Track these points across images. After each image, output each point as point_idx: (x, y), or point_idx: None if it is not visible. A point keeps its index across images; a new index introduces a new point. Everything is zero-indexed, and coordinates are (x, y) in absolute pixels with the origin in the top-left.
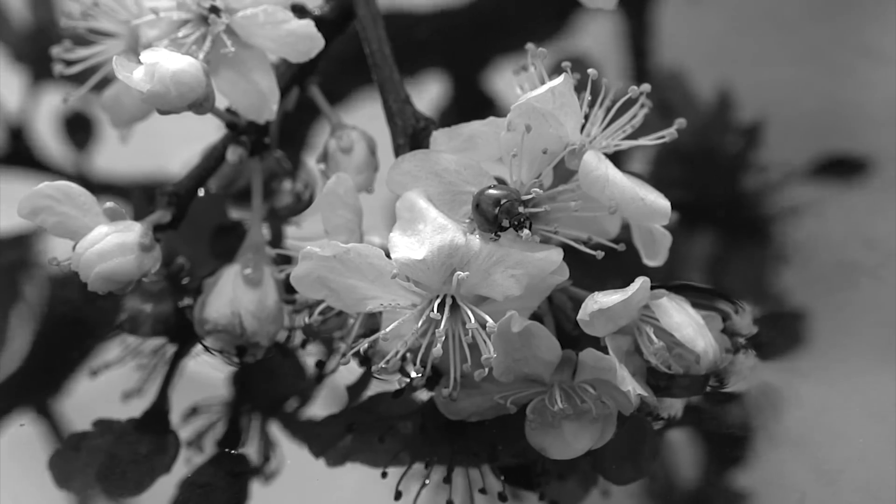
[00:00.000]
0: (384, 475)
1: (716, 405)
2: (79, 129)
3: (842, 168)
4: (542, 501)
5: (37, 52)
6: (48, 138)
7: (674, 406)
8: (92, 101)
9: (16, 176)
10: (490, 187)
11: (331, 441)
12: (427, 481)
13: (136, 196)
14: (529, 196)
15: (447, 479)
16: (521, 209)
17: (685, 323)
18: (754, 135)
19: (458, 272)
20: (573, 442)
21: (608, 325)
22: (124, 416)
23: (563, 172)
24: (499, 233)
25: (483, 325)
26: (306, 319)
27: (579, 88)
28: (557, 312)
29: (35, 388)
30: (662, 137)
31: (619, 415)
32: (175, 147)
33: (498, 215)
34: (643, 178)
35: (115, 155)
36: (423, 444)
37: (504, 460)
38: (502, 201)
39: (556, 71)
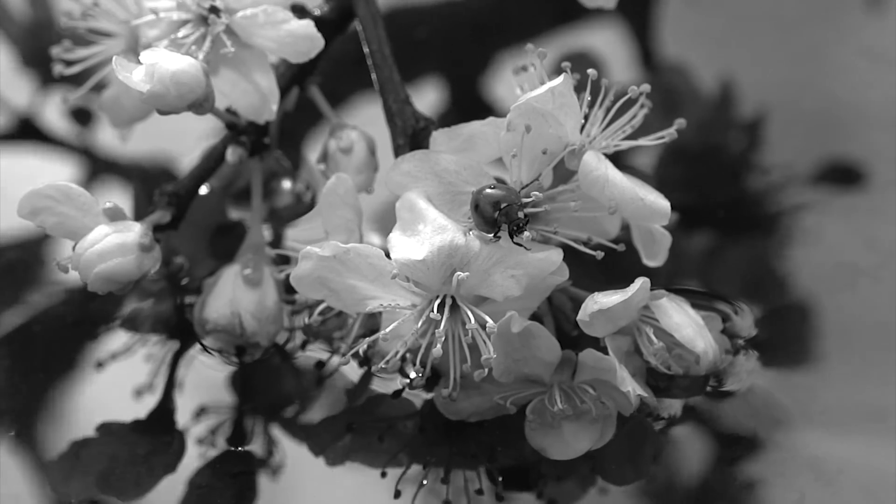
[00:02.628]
0: (383, 475)
1: (715, 406)
2: (84, 116)
3: (841, 173)
4: (539, 500)
5: (43, 52)
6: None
7: (673, 407)
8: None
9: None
10: (489, 187)
11: (330, 441)
12: (425, 482)
13: (136, 188)
14: (529, 199)
15: (445, 480)
16: (520, 213)
17: (685, 323)
18: (754, 135)
19: (458, 272)
20: (573, 442)
21: (608, 325)
22: (124, 416)
23: (563, 173)
24: (498, 234)
25: (483, 325)
26: (306, 320)
27: (579, 88)
28: (557, 313)
29: (36, 388)
30: (662, 138)
31: (618, 415)
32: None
33: (497, 218)
34: (645, 177)
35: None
36: (422, 445)
37: (502, 461)
38: (502, 204)
39: (556, 71)
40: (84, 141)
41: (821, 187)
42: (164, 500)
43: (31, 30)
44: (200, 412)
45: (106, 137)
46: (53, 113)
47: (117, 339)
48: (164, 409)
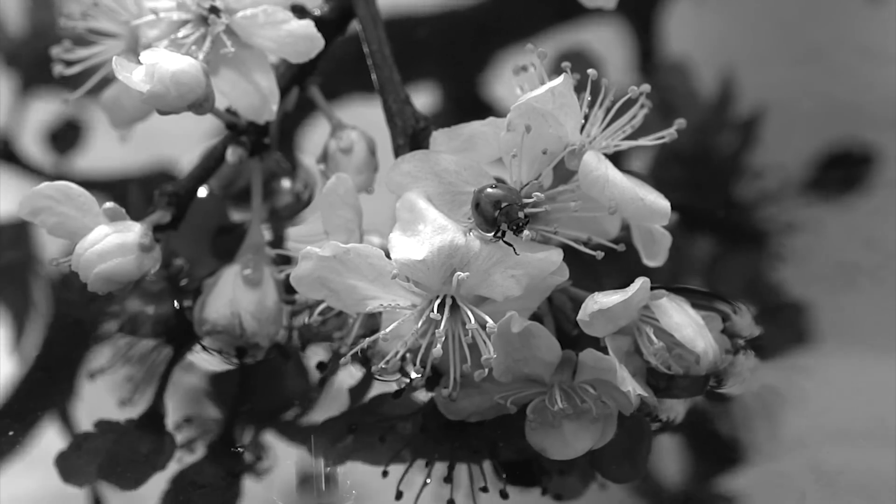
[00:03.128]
0: (385, 474)
1: (715, 406)
2: (65, 137)
3: (842, 165)
4: (544, 497)
5: (30, 56)
6: (34, 146)
7: (673, 407)
8: (84, 107)
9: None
10: (490, 186)
11: (332, 441)
12: (428, 480)
13: (133, 195)
14: (531, 200)
15: (448, 479)
16: (520, 214)
17: (685, 323)
18: (753, 134)
19: (458, 273)
20: (573, 442)
21: (608, 325)
22: (125, 416)
23: (563, 173)
24: (497, 234)
25: (483, 325)
26: (306, 320)
27: (579, 89)
28: (557, 313)
29: (36, 388)
30: (662, 138)
31: (619, 415)
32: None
33: (497, 217)
34: (644, 178)
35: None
36: (423, 444)
37: (505, 456)
38: (503, 204)
39: (556, 71)
40: (60, 169)
41: (821, 187)
42: (164, 499)
43: (22, 39)
44: (200, 413)
45: (85, 163)
46: (31, 138)
47: (115, 341)
48: (164, 411)
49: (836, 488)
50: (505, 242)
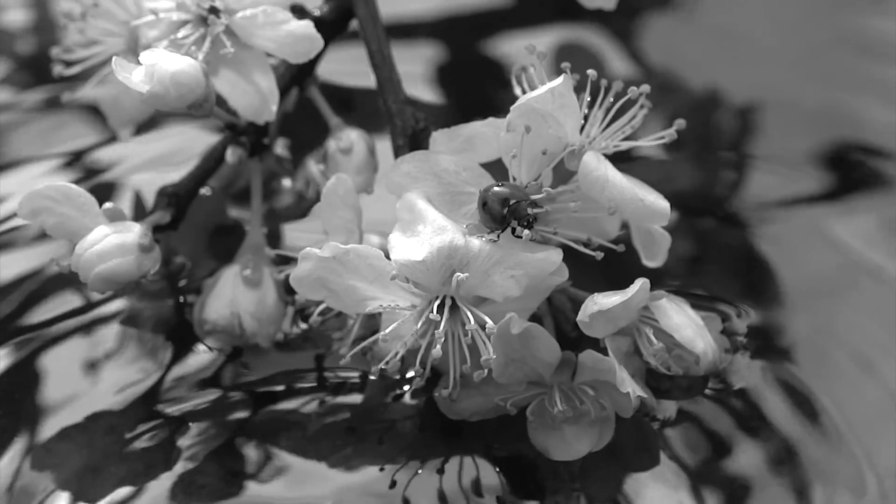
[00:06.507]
0: (384, 472)
1: (715, 405)
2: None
3: (842, 165)
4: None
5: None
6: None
7: (672, 407)
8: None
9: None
10: (496, 185)
11: (330, 442)
12: (420, 471)
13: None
14: (540, 195)
15: (440, 470)
16: (528, 210)
17: (684, 324)
18: (751, 134)
19: (458, 273)
20: (574, 443)
21: (608, 326)
22: (123, 413)
23: (563, 173)
24: (501, 234)
25: (482, 326)
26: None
27: (579, 89)
28: (557, 314)
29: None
30: (662, 138)
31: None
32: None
33: (506, 215)
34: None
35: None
36: (422, 445)
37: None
38: (511, 201)
39: (555, 71)
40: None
41: (821, 187)
42: (163, 499)
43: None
44: (199, 412)
45: None
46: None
47: (114, 338)
48: (163, 410)
49: (836, 488)
50: (517, 236)
